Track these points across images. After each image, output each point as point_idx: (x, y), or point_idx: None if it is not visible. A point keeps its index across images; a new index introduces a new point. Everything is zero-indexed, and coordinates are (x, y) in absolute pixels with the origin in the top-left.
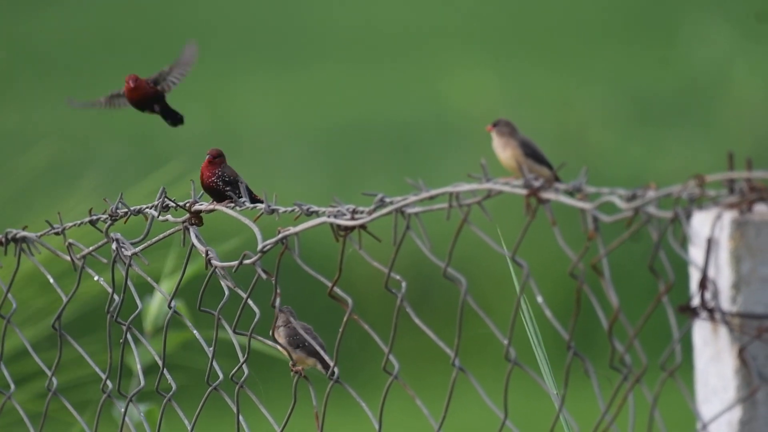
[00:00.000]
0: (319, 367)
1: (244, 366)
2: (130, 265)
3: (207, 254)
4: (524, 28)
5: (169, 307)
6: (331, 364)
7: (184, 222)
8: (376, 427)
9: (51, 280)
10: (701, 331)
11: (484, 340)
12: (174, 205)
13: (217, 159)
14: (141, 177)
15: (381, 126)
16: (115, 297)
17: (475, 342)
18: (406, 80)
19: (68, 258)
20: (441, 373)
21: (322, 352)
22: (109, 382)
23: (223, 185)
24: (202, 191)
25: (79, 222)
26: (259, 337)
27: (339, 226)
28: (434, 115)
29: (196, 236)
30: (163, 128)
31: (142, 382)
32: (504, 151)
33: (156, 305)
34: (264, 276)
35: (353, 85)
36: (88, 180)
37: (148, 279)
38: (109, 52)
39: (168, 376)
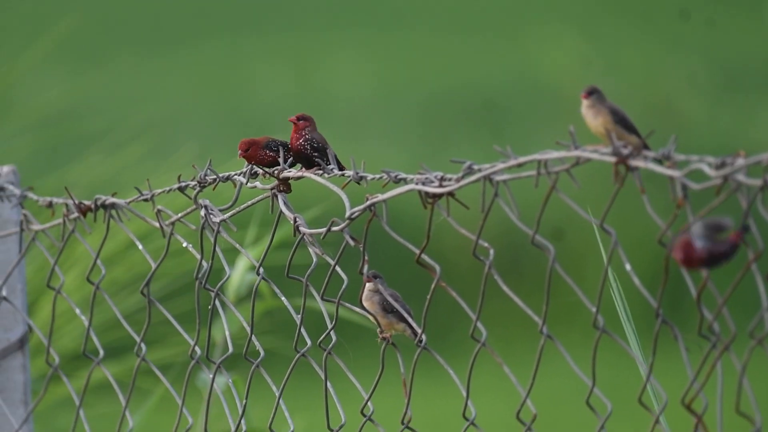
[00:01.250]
0: (408, 332)
1: (331, 333)
2: (218, 231)
3: (295, 221)
4: None
5: (258, 274)
6: (419, 331)
7: (272, 189)
8: (464, 394)
9: (140, 246)
10: None
11: (572, 308)
12: (262, 172)
13: (301, 122)
14: (230, 143)
15: (470, 94)
16: (204, 263)
17: (563, 309)
18: (496, 48)
19: (157, 224)
20: (529, 340)
21: (410, 320)
22: (197, 348)
23: (311, 151)
24: (291, 158)
25: (167, 189)
26: (347, 304)
27: (427, 193)
28: (523, 83)
29: (285, 203)
30: (253, 95)
31: (231, 349)
32: (594, 119)
33: (238, 275)
34: (352, 243)
35: (443, 53)
36: (178, 147)
37: (236, 245)
38: (197, 21)
39: (256, 343)
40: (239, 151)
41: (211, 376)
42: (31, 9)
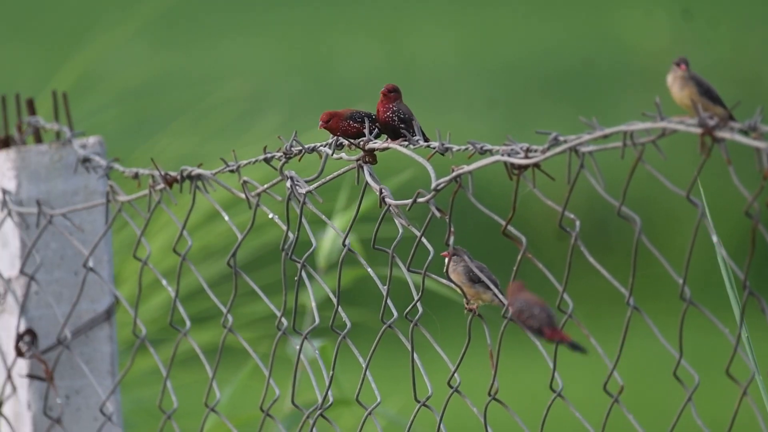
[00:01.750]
0: (496, 301)
1: (418, 304)
2: (304, 203)
3: (381, 192)
4: None
5: (344, 245)
6: (505, 302)
7: (358, 160)
8: (551, 365)
9: (226, 218)
10: None
11: (658, 280)
12: (348, 143)
13: (392, 94)
14: (316, 114)
15: (557, 64)
16: (290, 234)
17: (650, 281)
18: (582, 18)
19: (243, 195)
20: (616, 312)
21: (496, 291)
22: (284, 320)
23: (398, 122)
24: (376, 129)
25: (253, 160)
26: (434, 275)
27: (513, 164)
28: (610, 53)
29: (370, 174)
30: (340, 65)
31: (317, 320)
32: (680, 90)
33: (329, 241)
34: (438, 214)
35: (529, 23)
36: (263, 118)
37: (322, 216)
38: None
39: (342, 314)
40: (320, 123)
41: (298, 347)
42: None
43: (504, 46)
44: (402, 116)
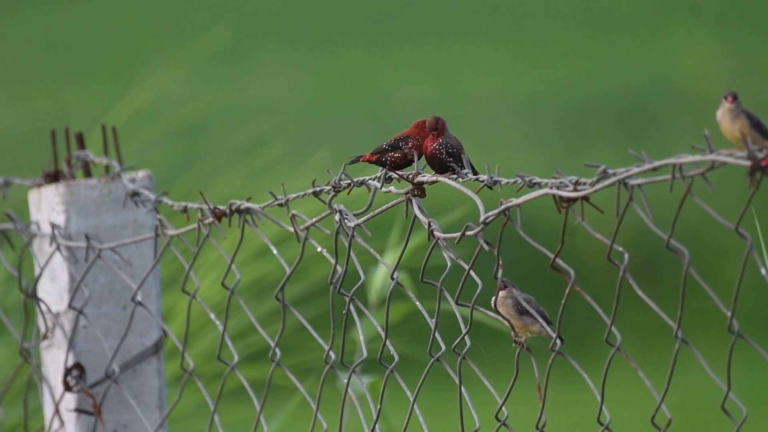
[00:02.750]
0: (545, 333)
1: (466, 337)
2: (353, 236)
3: (429, 225)
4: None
5: (392, 279)
6: (553, 336)
7: (406, 193)
8: (598, 398)
9: (274, 251)
10: None
11: (707, 312)
12: (397, 176)
13: (436, 131)
14: (366, 148)
15: (605, 97)
16: (338, 268)
17: (698, 314)
18: (632, 51)
19: (292, 229)
20: (664, 345)
21: (543, 323)
22: (332, 353)
23: (446, 155)
24: (425, 162)
25: (302, 193)
26: (482, 309)
27: (561, 197)
28: (659, 87)
29: (419, 208)
30: (392, 99)
31: (365, 353)
32: (731, 123)
33: (381, 276)
34: (486, 247)
35: (579, 56)
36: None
37: (371, 250)
38: (337, 21)
39: (391, 348)
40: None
41: (345, 381)
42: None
43: (555, 79)
44: (450, 150)
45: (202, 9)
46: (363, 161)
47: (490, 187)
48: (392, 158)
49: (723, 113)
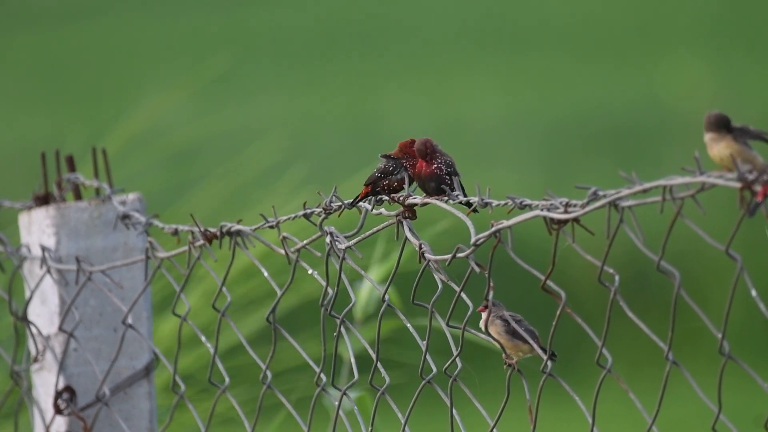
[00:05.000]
0: (536, 352)
1: (457, 359)
2: (344, 258)
3: (420, 248)
4: (740, 21)
5: (383, 300)
6: (544, 357)
7: (397, 215)
8: (590, 420)
9: (265, 274)
10: None
11: (697, 334)
12: (388, 198)
13: (428, 156)
14: (356, 169)
15: (596, 119)
16: (329, 290)
17: (689, 335)
18: (621, 74)
19: (282, 251)
20: (654, 366)
21: (534, 345)
22: (323, 375)
23: (445, 169)
24: (416, 185)
25: (293, 215)
26: (473, 330)
27: (552, 219)
28: (649, 109)
29: (410, 230)
30: (385, 121)
31: (356, 376)
32: (718, 144)
33: (365, 293)
34: (477, 269)
35: (569, 79)
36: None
37: (362, 272)
38: (329, 47)
39: (381, 370)
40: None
41: (336, 403)
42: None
43: (545, 102)
44: (450, 170)
45: (198, 35)
46: (361, 197)
47: (476, 212)
48: (384, 185)
49: (710, 135)
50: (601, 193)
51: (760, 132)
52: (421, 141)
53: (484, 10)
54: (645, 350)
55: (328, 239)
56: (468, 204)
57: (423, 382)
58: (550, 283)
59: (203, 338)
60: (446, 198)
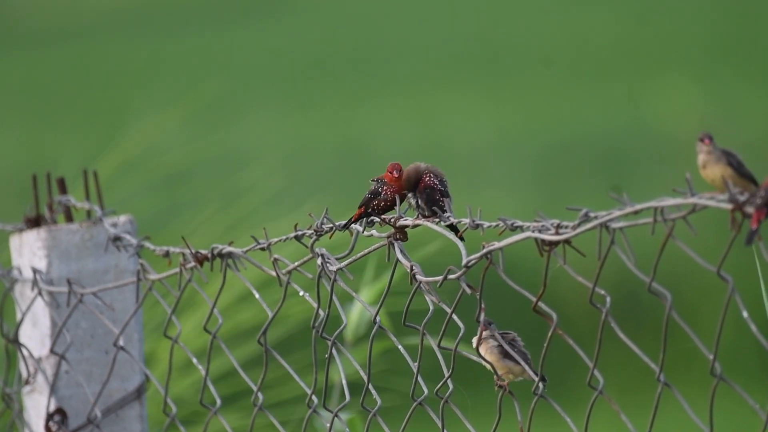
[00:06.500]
0: (527, 375)
1: (449, 381)
2: (335, 280)
3: (412, 269)
4: (728, 43)
5: (374, 322)
6: (536, 378)
7: (389, 237)
8: None
9: (257, 296)
10: None
11: (689, 355)
12: (379, 220)
13: (418, 181)
14: (347, 191)
15: (587, 142)
16: (320, 312)
17: (680, 356)
18: (612, 95)
19: (274, 273)
20: (646, 387)
21: (526, 367)
22: (314, 397)
23: (439, 182)
24: (407, 206)
25: (284, 237)
26: (464, 352)
27: (543, 240)
28: (640, 131)
29: (401, 251)
30: (374, 142)
31: (347, 397)
32: (710, 165)
33: (356, 314)
34: (468, 291)
35: (558, 101)
36: (295, 195)
37: (353, 294)
38: (319, 70)
39: (373, 392)
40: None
41: (328, 425)
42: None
43: (536, 124)
44: (443, 189)
45: (190, 59)
46: (354, 219)
47: (462, 239)
48: (376, 206)
49: (702, 157)
50: (592, 214)
51: (750, 173)
52: (407, 172)
53: (474, 32)
54: (636, 372)
55: (319, 261)
56: (455, 229)
57: (414, 404)
58: (541, 304)
59: (195, 360)
60: (437, 220)
